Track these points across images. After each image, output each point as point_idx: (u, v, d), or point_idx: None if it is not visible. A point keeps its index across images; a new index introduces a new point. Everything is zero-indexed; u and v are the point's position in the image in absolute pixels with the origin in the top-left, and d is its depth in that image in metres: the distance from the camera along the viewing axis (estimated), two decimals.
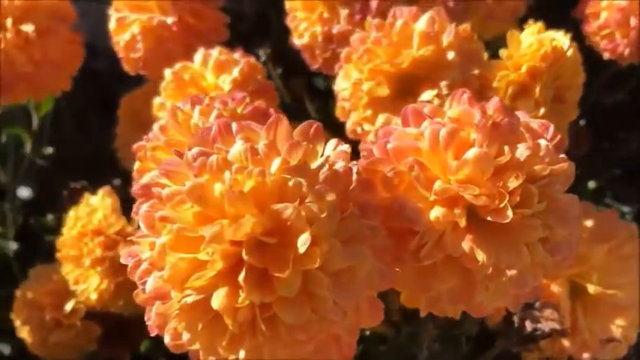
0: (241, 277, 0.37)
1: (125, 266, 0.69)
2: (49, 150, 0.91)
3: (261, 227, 0.38)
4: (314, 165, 0.41)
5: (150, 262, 0.40)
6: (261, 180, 0.38)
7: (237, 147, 0.40)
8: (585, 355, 0.59)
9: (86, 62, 0.79)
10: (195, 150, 0.40)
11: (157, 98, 0.65)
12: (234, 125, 0.43)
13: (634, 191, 0.73)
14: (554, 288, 0.59)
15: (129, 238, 0.67)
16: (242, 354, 0.38)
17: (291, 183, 0.38)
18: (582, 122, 0.77)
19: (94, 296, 0.69)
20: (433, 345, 0.55)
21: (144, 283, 0.41)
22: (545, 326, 0.54)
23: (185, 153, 0.41)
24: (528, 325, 0.54)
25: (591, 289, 0.58)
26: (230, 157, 0.40)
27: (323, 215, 0.38)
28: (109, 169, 1.05)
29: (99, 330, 0.77)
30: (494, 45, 0.66)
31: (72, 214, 0.72)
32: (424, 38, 0.54)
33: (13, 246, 0.90)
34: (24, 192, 0.98)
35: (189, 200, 0.38)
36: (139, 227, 0.45)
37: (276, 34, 0.95)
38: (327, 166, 0.40)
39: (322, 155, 0.43)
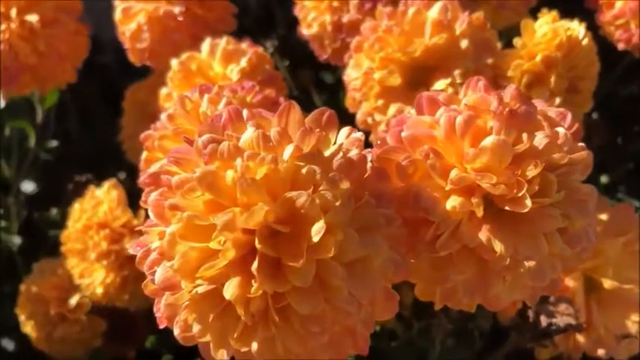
0: (254, 266, 0.36)
1: (131, 259, 0.68)
2: (54, 143, 0.90)
3: (273, 215, 0.37)
4: (327, 152, 0.40)
5: (159, 251, 0.39)
6: (274, 167, 0.37)
7: (249, 134, 0.39)
8: (600, 351, 0.58)
9: (91, 55, 0.79)
10: (206, 137, 0.39)
11: (164, 88, 0.64)
12: (244, 112, 0.42)
13: None
14: (569, 282, 0.58)
15: (137, 229, 0.66)
16: (255, 346, 0.38)
17: (304, 170, 0.37)
18: (595, 115, 0.76)
19: (99, 290, 0.68)
20: (446, 340, 0.54)
21: (153, 274, 0.40)
22: (561, 321, 0.53)
23: (195, 140, 0.40)
24: (543, 320, 0.53)
25: (607, 283, 0.57)
26: (241, 144, 0.39)
27: (337, 203, 0.37)
28: (113, 162, 1.04)
29: (104, 325, 0.76)
30: (507, 35, 0.65)
31: (77, 207, 0.71)
32: (437, 26, 0.53)
33: (17, 240, 0.89)
34: (28, 186, 0.97)
35: (199, 188, 0.37)
36: (147, 217, 0.45)
37: (281, 28, 0.95)
38: (341, 153, 0.39)
39: (335, 143, 0.42)
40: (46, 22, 0.72)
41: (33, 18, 0.71)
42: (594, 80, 0.59)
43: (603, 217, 0.62)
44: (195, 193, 0.38)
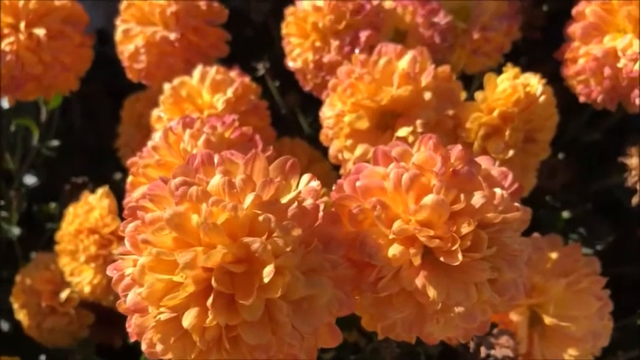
0: (209, 301, 0.41)
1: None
2: (55, 142, 0.95)
3: (231, 256, 0.42)
4: (285, 200, 0.45)
5: (132, 277, 0.44)
6: (234, 214, 0.42)
7: (216, 180, 0.44)
8: None
9: (97, 48, 0.82)
10: (178, 179, 0.44)
11: (155, 110, 0.69)
12: (216, 157, 0.47)
13: (605, 226, 0.76)
14: (514, 317, 0.63)
15: (117, 250, 0.71)
16: None
17: (261, 218, 0.42)
18: (561, 155, 0.80)
19: (87, 289, 0.73)
20: None
21: (125, 296, 0.45)
22: (499, 353, 0.58)
23: (169, 181, 0.45)
24: (482, 351, 0.58)
25: (547, 320, 0.62)
26: (209, 189, 0.44)
27: (288, 249, 0.42)
28: (113, 160, 1.09)
29: (92, 318, 0.82)
30: (480, 78, 0.69)
31: (71, 210, 0.77)
32: (404, 78, 0.58)
33: (16, 231, 0.94)
34: (30, 179, 1.02)
35: (167, 227, 0.42)
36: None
37: (279, 44, 0.99)
38: (296, 203, 0.44)
39: (297, 187, 0.47)
40: (52, 35, 0.77)
41: (40, 32, 0.75)
42: (552, 131, 0.63)
43: (554, 255, 0.66)
44: (164, 231, 0.43)
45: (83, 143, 1.14)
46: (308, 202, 0.45)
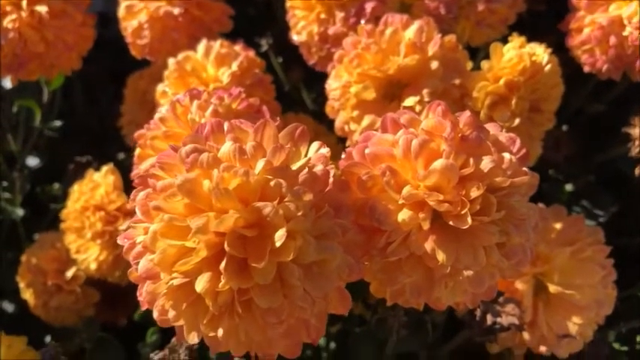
0: (222, 265, 0.41)
1: None
2: (57, 123, 0.95)
3: (243, 221, 0.42)
4: (295, 166, 0.45)
5: (143, 245, 0.45)
6: (246, 179, 0.42)
7: (227, 146, 0.44)
8: (542, 348, 0.64)
9: (98, 31, 0.81)
10: (189, 147, 0.45)
11: (160, 85, 0.69)
12: (225, 124, 0.47)
13: (608, 197, 0.77)
14: (519, 285, 0.64)
15: (123, 225, 0.72)
16: (220, 332, 0.43)
17: (272, 183, 0.42)
18: (565, 128, 0.80)
19: (93, 266, 0.74)
20: (401, 331, 0.59)
21: (137, 264, 0.45)
22: (505, 320, 0.59)
23: (180, 148, 0.45)
24: (489, 319, 0.59)
25: (551, 288, 0.62)
26: (220, 156, 0.44)
27: (299, 213, 0.42)
28: (115, 142, 1.09)
29: (97, 296, 0.82)
30: (486, 50, 0.69)
31: (76, 188, 0.77)
32: (411, 47, 0.58)
33: (20, 212, 0.94)
34: (32, 161, 1.02)
35: (179, 193, 0.43)
36: (134, 212, 0.51)
37: (281, 22, 0.99)
38: (306, 169, 0.44)
39: (306, 155, 0.47)
40: (54, 13, 0.76)
41: (42, 9, 0.75)
42: (557, 101, 0.63)
43: (558, 225, 0.67)
44: (176, 198, 0.43)
45: (85, 125, 1.14)
46: (318, 168, 0.45)
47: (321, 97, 0.84)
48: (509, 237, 0.47)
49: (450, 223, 0.45)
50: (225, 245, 0.41)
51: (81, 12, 0.79)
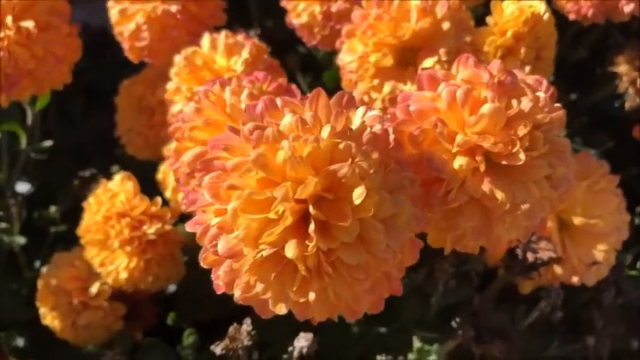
0: (311, 228, 0.42)
1: (153, 244, 0.74)
2: (48, 143, 0.92)
3: (320, 186, 0.43)
4: (354, 129, 0.47)
5: (219, 226, 0.45)
6: (317, 145, 0.44)
7: (288, 119, 0.46)
8: (574, 279, 0.68)
9: None
10: (251, 125, 0.46)
11: (171, 83, 0.69)
12: (278, 100, 0.48)
13: (601, 135, 0.82)
14: (548, 223, 0.68)
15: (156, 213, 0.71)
16: (312, 295, 0.45)
17: (341, 146, 0.44)
18: (551, 78, 0.85)
19: (124, 275, 0.73)
20: (449, 282, 0.62)
21: (214, 246, 0.46)
22: (544, 255, 0.63)
23: (241, 128, 0.46)
24: (530, 256, 0.63)
25: (576, 220, 0.67)
26: (282, 129, 0.46)
27: (371, 171, 0.44)
28: (103, 155, 1.07)
29: (124, 309, 0.81)
30: (474, 13, 0.73)
31: (92, 200, 0.75)
32: (421, 12, 0.60)
33: (21, 240, 0.92)
34: (23, 187, 0.99)
35: (254, 168, 0.44)
36: (188, 203, 0.51)
37: (257, 16, 1.00)
38: (368, 129, 0.46)
39: (356, 118, 0.49)
40: (41, 27, 0.75)
41: (29, 24, 0.73)
42: (554, 48, 0.68)
43: None
44: (250, 174, 0.44)
45: (64, 142, 1.11)
46: (377, 128, 0.47)
47: (317, 82, 0.86)
48: (555, 169, 0.50)
49: (503, 162, 0.49)
50: (311, 209, 0.43)
51: (66, 23, 0.78)
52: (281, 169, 0.44)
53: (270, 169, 0.44)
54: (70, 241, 0.89)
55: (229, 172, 0.45)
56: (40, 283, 0.81)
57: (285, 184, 0.43)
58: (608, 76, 0.76)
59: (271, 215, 0.43)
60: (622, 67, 0.73)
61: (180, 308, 0.82)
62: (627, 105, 0.74)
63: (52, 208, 0.95)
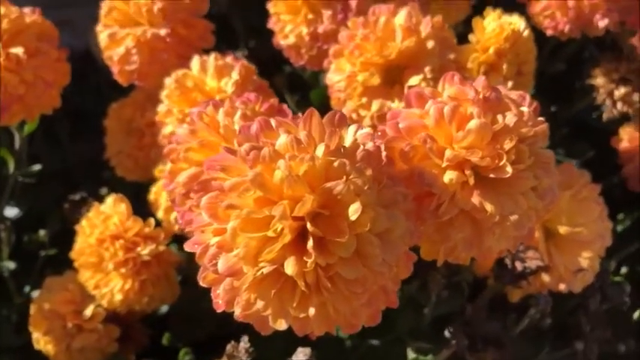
0: (309, 244, 0.44)
1: (147, 265, 0.74)
2: (37, 167, 0.92)
3: (317, 203, 0.45)
4: (347, 147, 0.49)
5: (218, 245, 0.46)
6: (312, 164, 0.45)
7: (283, 139, 0.47)
8: (562, 286, 0.70)
9: None
10: (247, 145, 0.47)
11: (162, 105, 0.70)
12: (272, 121, 0.49)
13: (582, 145, 0.85)
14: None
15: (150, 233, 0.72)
16: (312, 310, 0.46)
17: (336, 164, 0.45)
18: (531, 91, 0.88)
19: (119, 297, 0.73)
20: (443, 292, 0.64)
21: (214, 265, 0.47)
22: (532, 264, 0.65)
23: (237, 149, 0.47)
24: (519, 265, 0.64)
25: (562, 229, 0.69)
26: (277, 148, 0.47)
27: (366, 187, 0.45)
28: (90, 178, 1.08)
29: (118, 331, 0.81)
30: (454, 31, 0.75)
31: (85, 223, 0.76)
32: (406, 31, 0.62)
33: (11, 265, 0.91)
34: (11, 211, 0.99)
35: (252, 187, 0.45)
36: (184, 223, 0.52)
37: (243, 37, 1.01)
38: (361, 146, 0.48)
39: (348, 137, 0.50)
40: (30, 53, 0.76)
41: (19, 50, 0.74)
42: (534, 63, 0.70)
43: None
44: (248, 193, 0.45)
45: (51, 166, 1.11)
46: (370, 145, 0.48)
47: (304, 100, 0.88)
48: (541, 180, 0.52)
49: (491, 175, 0.50)
50: (308, 226, 0.44)
51: (55, 47, 0.79)
52: (278, 188, 0.45)
53: (267, 188, 0.45)
54: (59, 264, 0.89)
55: (227, 192, 0.46)
56: (32, 308, 0.81)
57: (282, 203, 0.44)
58: (586, 89, 0.79)
59: (270, 233, 0.44)
60: (599, 80, 0.76)
61: (173, 328, 0.82)
62: (605, 116, 0.77)
63: (42, 232, 0.95)
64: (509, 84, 0.65)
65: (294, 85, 0.90)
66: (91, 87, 1.21)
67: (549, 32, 0.74)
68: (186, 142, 0.57)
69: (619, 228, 0.89)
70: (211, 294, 0.49)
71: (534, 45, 0.70)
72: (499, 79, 0.65)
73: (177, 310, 0.86)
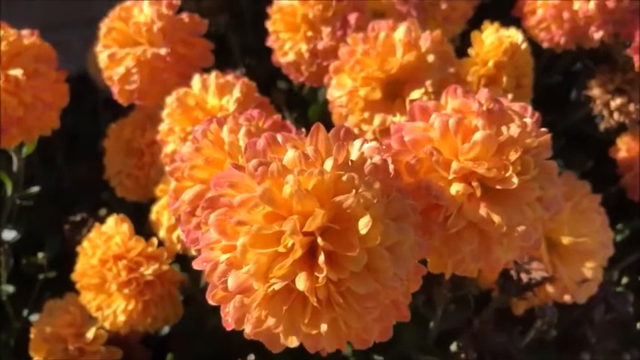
0: (321, 259, 0.43)
1: (151, 285, 0.73)
2: (35, 189, 0.92)
3: (327, 217, 0.45)
4: (354, 160, 0.49)
5: (228, 262, 0.46)
6: (321, 178, 0.45)
7: (291, 154, 0.47)
8: (566, 297, 0.70)
9: None
10: (255, 161, 0.47)
11: (163, 124, 0.70)
12: (279, 137, 0.50)
13: (580, 156, 0.86)
14: None
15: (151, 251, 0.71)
16: (324, 327, 0.45)
17: (344, 178, 0.45)
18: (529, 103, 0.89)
19: (122, 317, 0.72)
20: (447, 307, 0.63)
21: (224, 282, 0.46)
22: (537, 275, 0.65)
23: (245, 165, 0.47)
24: (524, 277, 0.64)
25: (565, 240, 0.69)
26: (285, 163, 0.47)
27: (375, 201, 0.45)
28: (86, 198, 1.07)
29: (120, 353, 0.80)
30: (452, 45, 0.76)
31: (86, 244, 0.75)
32: (407, 46, 0.63)
33: (10, 289, 0.90)
34: (9, 234, 0.98)
35: (262, 203, 0.45)
36: (189, 241, 0.52)
37: (240, 56, 1.02)
38: (368, 160, 0.48)
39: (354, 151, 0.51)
40: (29, 74, 0.76)
41: (18, 72, 0.74)
42: (531, 76, 0.71)
43: None
44: (257, 209, 0.45)
45: (48, 189, 1.10)
46: (377, 159, 0.49)
47: (303, 117, 0.88)
48: (546, 190, 0.53)
49: (497, 186, 0.51)
50: (319, 240, 0.44)
51: (53, 69, 0.79)
52: (287, 203, 0.45)
53: (277, 204, 0.45)
54: (58, 287, 0.88)
55: (236, 208, 0.46)
56: (33, 332, 0.80)
57: (292, 218, 0.44)
58: (583, 100, 0.80)
59: (280, 249, 0.44)
60: (595, 91, 0.77)
61: (175, 349, 0.81)
62: (602, 126, 0.78)
63: (40, 255, 0.94)
64: (510, 96, 0.66)
65: (292, 103, 0.90)
66: (86, 109, 1.21)
67: (545, 45, 0.75)
68: (191, 160, 0.57)
69: (618, 238, 0.89)
70: (220, 312, 0.49)
71: (531, 57, 0.71)
72: (499, 92, 0.65)
73: (178, 330, 0.85)
